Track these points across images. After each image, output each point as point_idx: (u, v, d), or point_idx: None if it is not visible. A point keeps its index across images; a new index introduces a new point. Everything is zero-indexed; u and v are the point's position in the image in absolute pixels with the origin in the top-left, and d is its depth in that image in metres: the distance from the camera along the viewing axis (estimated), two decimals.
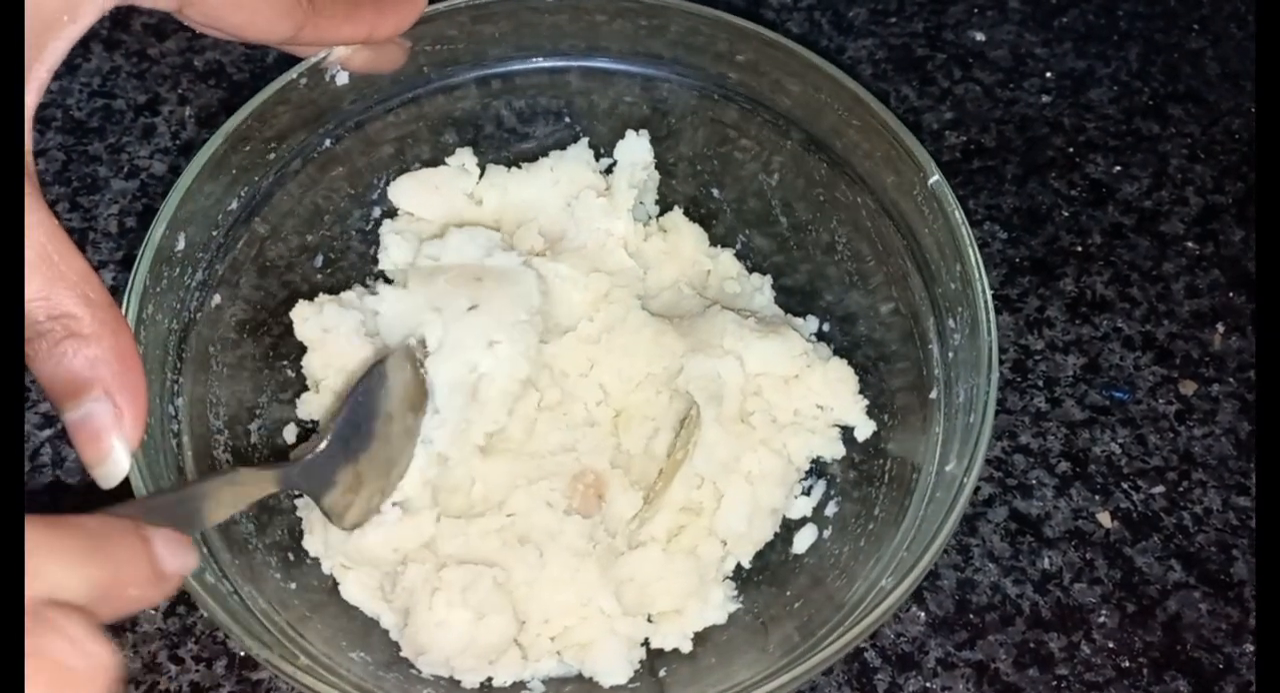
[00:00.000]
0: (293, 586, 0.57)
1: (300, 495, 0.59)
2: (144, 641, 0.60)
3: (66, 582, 0.33)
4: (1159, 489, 0.67)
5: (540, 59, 0.64)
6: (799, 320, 0.67)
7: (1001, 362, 0.71)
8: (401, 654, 0.57)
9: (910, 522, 0.54)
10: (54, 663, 0.32)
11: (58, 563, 0.33)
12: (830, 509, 0.62)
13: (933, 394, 0.57)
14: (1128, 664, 0.62)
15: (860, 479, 0.61)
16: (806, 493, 0.63)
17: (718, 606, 0.59)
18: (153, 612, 0.61)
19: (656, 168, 0.68)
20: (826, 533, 0.61)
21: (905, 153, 0.57)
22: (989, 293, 0.54)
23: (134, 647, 0.60)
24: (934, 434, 0.56)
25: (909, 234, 0.59)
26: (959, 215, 0.56)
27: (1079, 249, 0.76)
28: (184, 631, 0.61)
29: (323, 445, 0.53)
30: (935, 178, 0.56)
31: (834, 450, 0.63)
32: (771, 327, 0.64)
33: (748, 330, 0.62)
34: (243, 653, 0.60)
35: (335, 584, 0.59)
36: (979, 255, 0.55)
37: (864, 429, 0.63)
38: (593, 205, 0.66)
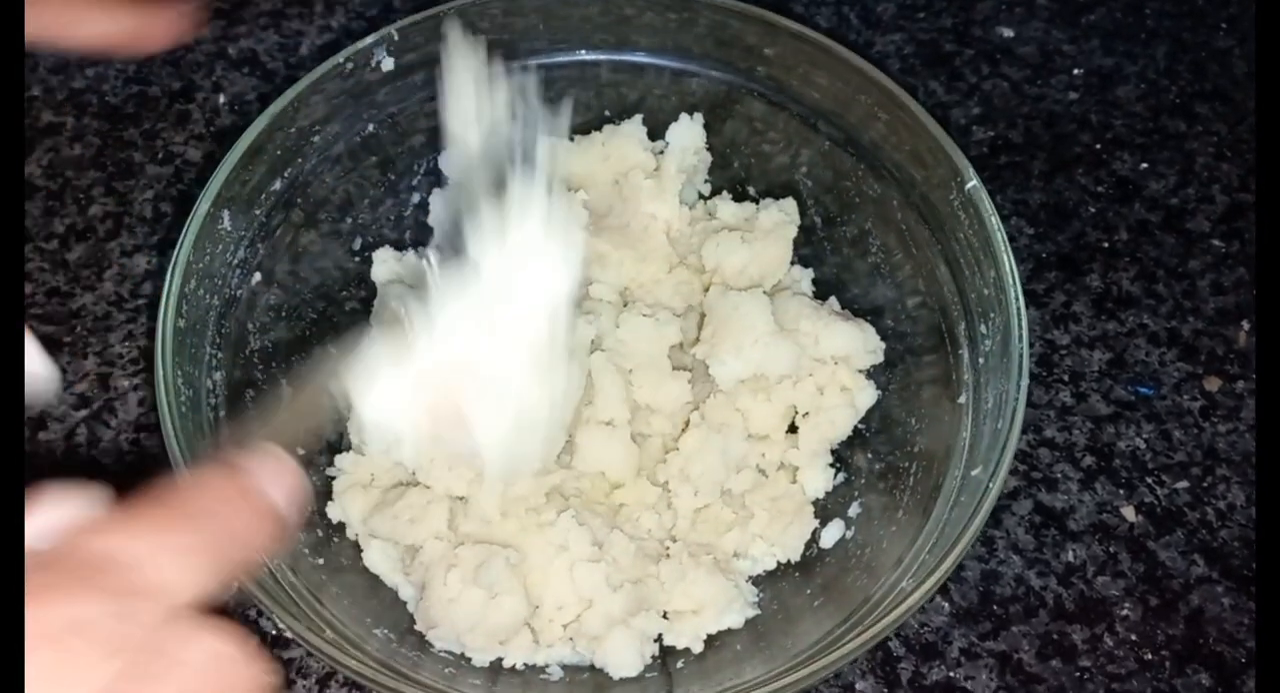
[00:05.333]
0: (320, 560, 0.57)
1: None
2: None
3: (173, 578, 0.31)
4: (1183, 484, 0.68)
5: (570, 52, 0.65)
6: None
7: None
8: (416, 627, 0.58)
9: (934, 524, 0.54)
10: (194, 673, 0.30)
11: (154, 558, 0.31)
12: (854, 510, 0.62)
13: (961, 398, 0.57)
14: (1150, 657, 0.62)
15: (886, 479, 0.61)
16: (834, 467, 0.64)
17: (737, 611, 0.59)
18: None
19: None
20: (850, 533, 0.61)
21: (943, 155, 0.57)
22: (1022, 300, 0.54)
23: None
24: (961, 438, 0.56)
25: (940, 233, 0.59)
26: (995, 221, 0.55)
27: (1105, 245, 0.76)
28: (216, 610, 0.62)
29: None
30: (973, 183, 0.56)
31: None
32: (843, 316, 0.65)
33: (825, 313, 0.63)
34: (274, 632, 0.61)
35: (360, 554, 0.60)
36: (1014, 262, 0.55)
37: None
38: (640, 186, 0.65)
